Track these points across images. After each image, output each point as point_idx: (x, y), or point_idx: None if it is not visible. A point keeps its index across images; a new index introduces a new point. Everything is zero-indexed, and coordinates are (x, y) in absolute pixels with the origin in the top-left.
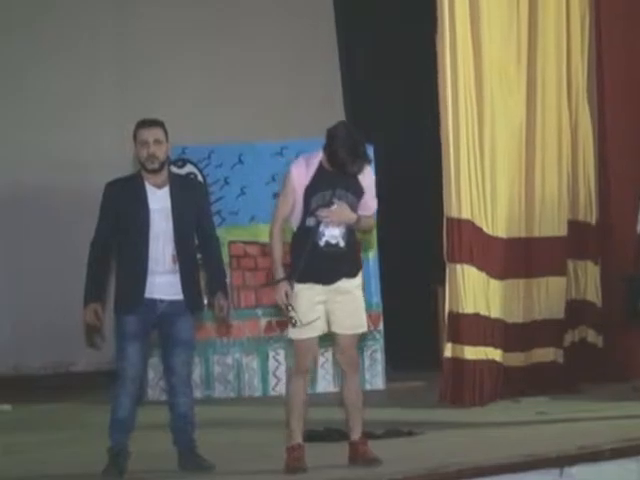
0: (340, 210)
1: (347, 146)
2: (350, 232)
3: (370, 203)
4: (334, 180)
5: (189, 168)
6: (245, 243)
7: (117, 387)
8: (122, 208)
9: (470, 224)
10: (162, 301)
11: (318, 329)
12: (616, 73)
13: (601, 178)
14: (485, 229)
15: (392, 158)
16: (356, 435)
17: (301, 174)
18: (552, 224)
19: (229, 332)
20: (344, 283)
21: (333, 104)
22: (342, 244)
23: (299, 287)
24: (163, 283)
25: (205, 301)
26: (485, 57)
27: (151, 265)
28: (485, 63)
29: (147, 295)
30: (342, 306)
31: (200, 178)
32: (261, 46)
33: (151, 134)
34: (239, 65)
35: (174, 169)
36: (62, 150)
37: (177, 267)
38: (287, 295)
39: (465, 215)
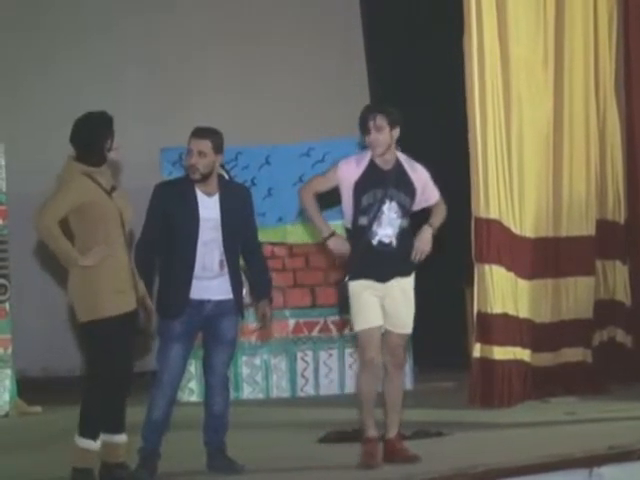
0: (427, 237)
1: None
2: (404, 232)
3: (431, 194)
4: (385, 179)
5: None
6: (273, 244)
7: (155, 388)
8: (171, 212)
9: (498, 224)
10: (209, 301)
11: (380, 320)
12: None
13: (630, 176)
14: (513, 229)
15: (419, 158)
16: (392, 433)
17: (350, 169)
18: (580, 223)
19: (270, 337)
20: (398, 282)
21: (360, 105)
22: (395, 243)
23: (356, 283)
24: (211, 285)
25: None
26: (512, 57)
27: (199, 271)
28: (512, 63)
29: (194, 296)
30: (396, 305)
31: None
32: (288, 48)
33: (196, 145)
34: (266, 67)
35: None
36: None
37: (224, 271)
38: (341, 243)
39: (493, 215)
